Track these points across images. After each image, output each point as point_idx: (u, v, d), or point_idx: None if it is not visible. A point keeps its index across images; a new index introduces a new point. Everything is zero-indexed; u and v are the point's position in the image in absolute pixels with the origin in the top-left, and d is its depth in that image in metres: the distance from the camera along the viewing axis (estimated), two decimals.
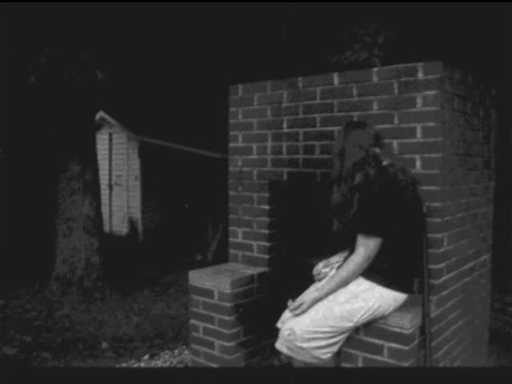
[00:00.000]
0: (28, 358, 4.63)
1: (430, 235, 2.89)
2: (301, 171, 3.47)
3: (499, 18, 6.76)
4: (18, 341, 5.05)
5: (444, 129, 2.87)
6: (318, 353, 2.73)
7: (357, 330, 2.80)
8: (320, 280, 3.01)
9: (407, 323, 2.67)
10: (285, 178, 3.57)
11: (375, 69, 3.13)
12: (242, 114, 3.81)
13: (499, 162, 3.92)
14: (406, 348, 2.67)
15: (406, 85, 2.94)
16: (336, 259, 3.07)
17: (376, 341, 2.77)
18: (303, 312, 2.74)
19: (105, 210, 11.16)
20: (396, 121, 2.99)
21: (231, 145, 3.89)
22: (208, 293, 3.50)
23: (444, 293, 2.99)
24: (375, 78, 3.08)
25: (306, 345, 2.71)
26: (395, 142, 2.99)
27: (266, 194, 3.69)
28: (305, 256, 3.58)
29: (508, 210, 7.01)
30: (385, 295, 2.69)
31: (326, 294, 2.73)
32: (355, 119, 3.14)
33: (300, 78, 3.45)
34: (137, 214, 12.24)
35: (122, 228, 12.59)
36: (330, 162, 2.95)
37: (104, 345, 4.95)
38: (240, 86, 3.82)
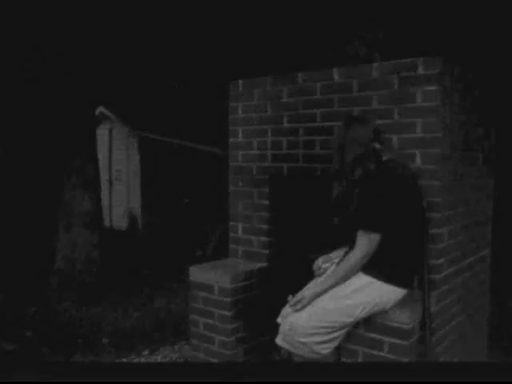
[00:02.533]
0: (28, 353, 4.64)
1: (430, 230, 2.89)
2: (301, 166, 3.46)
3: (500, 14, 6.75)
4: (18, 336, 5.06)
5: (444, 124, 2.87)
6: (318, 348, 2.74)
7: (357, 325, 2.81)
8: (320, 275, 3.01)
9: (407, 318, 2.68)
10: (285, 173, 3.57)
11: (375, 64, 3.12)
12: (242, 110, 3.80)
13: (499, 158, 3.92)
14: (406, 343, 2.68)
15: (406, 80, 2.94)
16: (336, 254, 3.08)
17: (376, 336, 2.77)
18: (303, 307, 2.74)
19: (105, 204, 11.14)
20: (396, 116, 2.98)
21: (231, 140, 3.89)
22: (208, 288, 3.50)
23: (444, 288, 2.99)
24: (375, 74, 3.08)
25: (306, 340, 2.72)
26: (395, 137, 2.99)
27: (266, 189, 3.68)
28: (305, 251, 3.58)
29: (508, 206, 7.01)
30: (385, 290, 2.69)
31: (326, 289, 2.73)
32: (355, 114, 3.14)
33: (300, 74, 3.45)
34: (137, 208, 12.23)
35: (122, 223, 12.58)
36: (330, 157, 2.94)
37: (104, 340, 4.96)
38: (240, 82, 3.81)
